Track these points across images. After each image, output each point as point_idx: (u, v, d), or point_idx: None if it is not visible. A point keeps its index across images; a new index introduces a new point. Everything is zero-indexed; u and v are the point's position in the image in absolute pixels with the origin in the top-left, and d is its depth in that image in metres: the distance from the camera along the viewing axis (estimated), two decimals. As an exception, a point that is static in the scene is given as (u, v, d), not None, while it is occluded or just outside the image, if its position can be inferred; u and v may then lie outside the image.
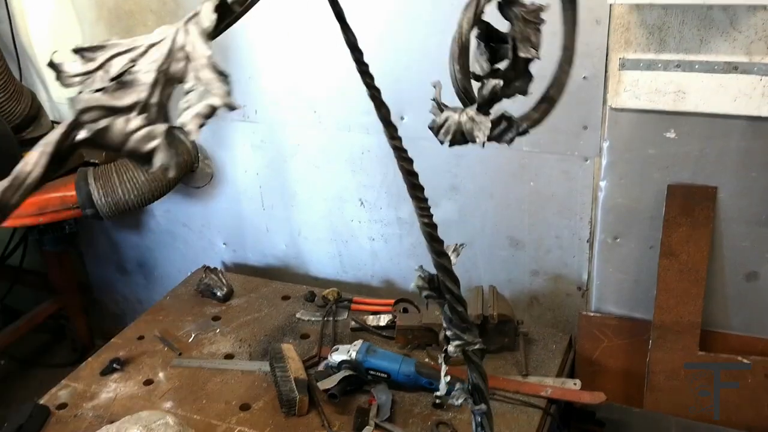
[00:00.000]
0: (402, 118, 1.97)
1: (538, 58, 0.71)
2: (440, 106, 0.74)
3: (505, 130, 0.73)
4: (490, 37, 0.73)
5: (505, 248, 2.05)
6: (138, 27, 2.20)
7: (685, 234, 1.71)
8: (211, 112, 0.51)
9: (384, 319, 2.01)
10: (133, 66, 0.53)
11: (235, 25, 2.10)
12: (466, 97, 0.72)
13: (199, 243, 2.54)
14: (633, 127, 1.70)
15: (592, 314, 1.97)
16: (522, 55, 0.70)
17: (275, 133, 2.20)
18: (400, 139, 0.73)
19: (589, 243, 1.91)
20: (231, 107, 0.51)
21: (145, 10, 2.16)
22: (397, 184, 2.05)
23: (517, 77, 0.72)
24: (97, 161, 2.25)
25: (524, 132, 0.75)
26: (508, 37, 0.70)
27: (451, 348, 0.88)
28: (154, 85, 0.52)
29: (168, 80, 0.52)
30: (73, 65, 0.54)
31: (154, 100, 0.52)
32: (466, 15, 0.69)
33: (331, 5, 0.62)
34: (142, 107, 0.51)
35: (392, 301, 2.07)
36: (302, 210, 2.30)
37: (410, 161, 0.75)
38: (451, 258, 0.86)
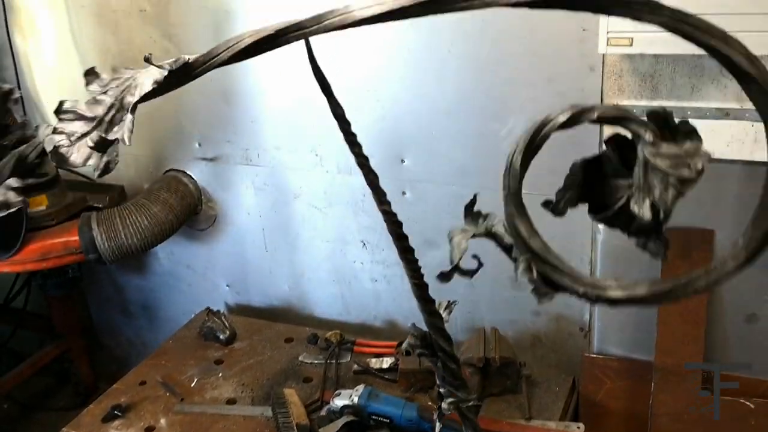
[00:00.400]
0: (402, 161, 2.00)
1: (656, 223, 0.54)
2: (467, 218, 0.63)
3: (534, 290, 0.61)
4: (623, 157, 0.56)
5: (507, 289, 2.05)
6: (142, 74, 2.23)
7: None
8: (101, 142, 0.62)
9: (387, 362, 2.01)
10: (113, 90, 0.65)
11: (238, 70, 2.13)
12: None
13: (203, 285, 2.55)
14: (629, 171, 1.72)
15: (594, 355, 1.96)
16: (634, 210, 0.54)
17: (278, 175, 2.22)
18: (389, 203, 0.75)
19: (589, 284, 1.91)
20: (123, 141, 0.62)
21: (149, 57, 2.20)
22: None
23: (641, 232, 0.56)
24: (100, 205, 2.28)
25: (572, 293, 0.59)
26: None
27: (444, 405, 0.89)
28: (110, 107, 0.63)
29: (120, 107, 0.63)
30: (105, 77, 0.66)
31: (107, 118, 0.63)
32: (522, 139, 0.57)
33: (318, 81, 0.64)
34: (98, 121, 0.63)
35: (395, 343, 2.07)
36: (305, 252, 2.31)
37: (400, 224, 0.77)
38: (443, 315, 0.87)
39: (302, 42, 0.67)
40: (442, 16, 1.83)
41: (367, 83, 1.93)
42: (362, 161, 0.71)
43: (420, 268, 0.80)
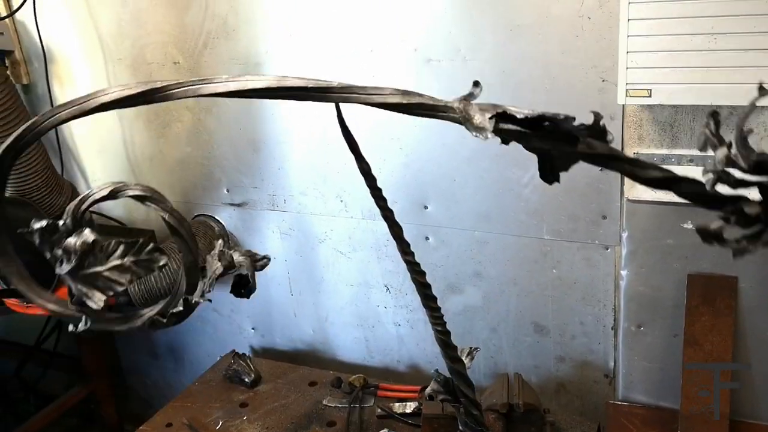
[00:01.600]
0: (425, 207, 2.04)
1: None
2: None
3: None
4: None
5: (530, 334, 2.06)
6: (174, 123, 2.31)
7: (707, 323, 1.71)
8: None
9: (410, 407, 2.02)
10: None
11: (266, 119, 2.20)
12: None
13: (228, 328, 2.59)
14: (650, 218, 1.73)
15: (619, 403, 1.95)
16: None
17: (303, 221, 2.27)
18: (413, 254, 0.78)
19: (613, 330, 1.92)
20: None
21: (181, 107, 2.28)
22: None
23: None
24: (132, 250, 2.34)
25: None
26: None
27: (467, 451, 0.90)
28: None
29: None
30: None
31: None
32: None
33: (346, 140, 0.68)
34: None
35: (418, 387, 2.07)
36: (329, 296, 2.34)
37: (423, 274, 0.80)
38: (466, 362, 0.89)
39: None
40: (463, 68, 1.88)
41: (390, 131, 1.98)
42: (387, 214, 0.75)
43: (442, 315, 0.82)
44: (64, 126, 2.50)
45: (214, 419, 2.06)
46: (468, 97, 0.56)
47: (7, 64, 2.41)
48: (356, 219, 2.17)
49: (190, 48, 2.18)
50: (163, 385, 2.86)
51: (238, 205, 2.35)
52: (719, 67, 1.37)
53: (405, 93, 0.58)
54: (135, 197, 0.66)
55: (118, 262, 0.69)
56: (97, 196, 0.69)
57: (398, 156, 1.99)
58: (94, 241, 0.68)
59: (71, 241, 0.67)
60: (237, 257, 0.75)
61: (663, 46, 1.42)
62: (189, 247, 0.68)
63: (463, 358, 0.87)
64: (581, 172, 1.78)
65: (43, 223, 0.67)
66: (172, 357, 2.80)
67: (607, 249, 1.84)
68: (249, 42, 2.08)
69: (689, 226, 1.69)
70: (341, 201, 2.17)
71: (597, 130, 0.54)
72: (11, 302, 2.16)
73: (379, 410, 2.02)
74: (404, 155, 1.99)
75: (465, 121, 0.55)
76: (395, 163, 2.00)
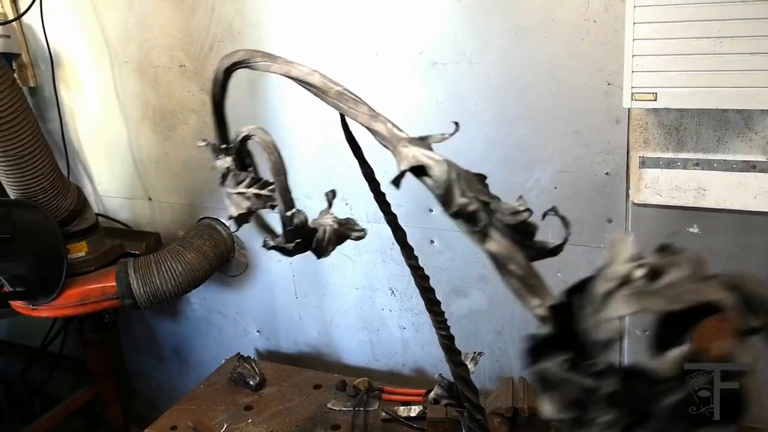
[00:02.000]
0: (431, 210, 2.03)
1: None
2: None
3: None
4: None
5: (535, 338, 2.05)
6: (180, 126, 2.32)
7: (712, 327, 1.70)
8: None
9: (415, 410, 2.01)
10: None
11: (271, 121, 2.20)
12: None
13: (233, 330, 2.59)
14: (656, 222, 1.73)
15: (624, 407, 1.94)
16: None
17: (308, 224, 2.27)
18: (416, 258, 0.78)
19: (618, 335, 1.91)
20: None
21: (187, 110, 2.29)
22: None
23: None
24: (137, 252, 2.35)
25: None
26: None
27: (471, 455, 0.90)
28: None
29: None
30: None
31: None
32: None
33: (350, 145, 0.68)
34: None
35: (423, 391, 2.07)
36: (334, 299, 2.34)
37: (427, 278, 0.80)
38: (470, 366, 0.88)
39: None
40: (469, 72, 1.87)
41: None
42: (391, 218, 0.75)
43: (446, 320, 0.82)
44: (71, 129, 2.52)
45: (219, 422, 2.06)
46: (425, 138, 0.58)
47: (14, 67, 2.42)
48: (361, 222, 2.15)
49: (196, 51, 2.18)
50: (168, 388, 2.87)
51: (244, 208, 2.35)
52: (725, 71, 1.37)
53: (373, 116, 0.62)
54: (260, 143, 0.88)
55: (243, 189, 0.86)
56: (243, 134, 0.90)
57: (403, 159, 1.98)
58: (227, 168, 0.85)
59: (217, 162, 0.87)
60: (323, 220, 0.85)
61: (669, 49, 1.41)
62: (282, 196, 0.89)
63: (467, 363, 0.87)
64: (585, 176, 1.78)
65: (203, 142, 0.90)
66: (176, 359, 2.80)
67: (613, 253, 1.83)
68: (254, 45, 2.09)
69: (695, 230, 1.68)
70: (346, 204, 2.17)
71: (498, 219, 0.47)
72: (17, 304, 2.17)
73: (383, 414, 2.01)
74: (409, 158, 1.98)
75: (397, 161, 0.59)
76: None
